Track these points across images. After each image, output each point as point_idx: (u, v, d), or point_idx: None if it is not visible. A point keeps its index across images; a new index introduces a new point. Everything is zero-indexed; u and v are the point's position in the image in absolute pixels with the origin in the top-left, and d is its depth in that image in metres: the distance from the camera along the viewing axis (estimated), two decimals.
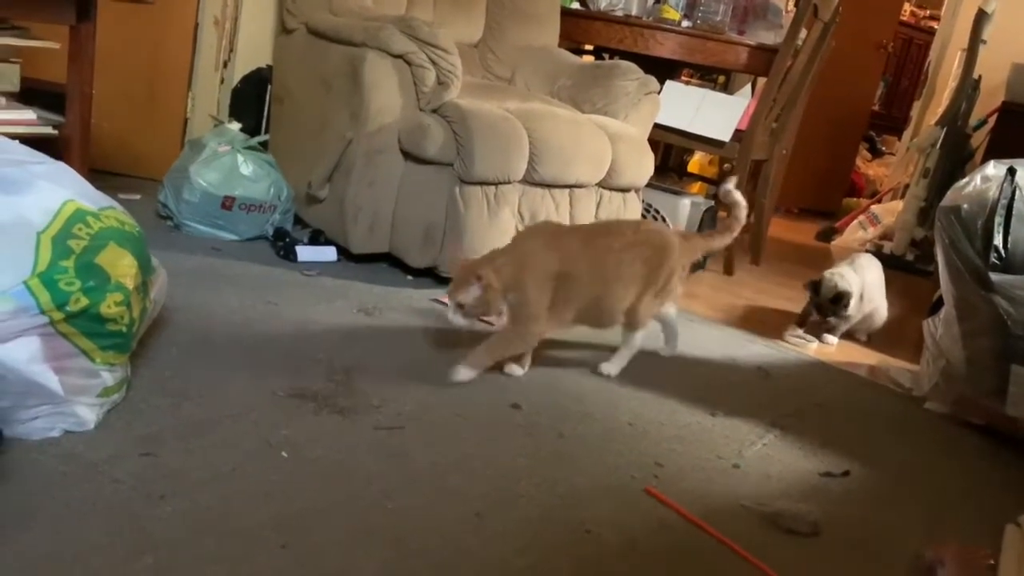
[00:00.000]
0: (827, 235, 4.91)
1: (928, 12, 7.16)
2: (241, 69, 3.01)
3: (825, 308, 2.63)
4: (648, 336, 2.13)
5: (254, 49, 3.02)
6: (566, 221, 2.60)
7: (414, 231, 2.42)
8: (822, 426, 2.02)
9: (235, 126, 2.60)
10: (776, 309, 3.07)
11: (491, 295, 1.76)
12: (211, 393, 1.56)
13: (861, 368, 2.57)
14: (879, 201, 5.23)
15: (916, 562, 1.43)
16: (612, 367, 2.05)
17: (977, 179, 2.07)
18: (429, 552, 1.23)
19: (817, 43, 3.38)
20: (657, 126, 3.07)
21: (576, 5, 3.60)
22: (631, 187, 2.80)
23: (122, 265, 1.34)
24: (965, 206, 2.02)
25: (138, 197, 2.66)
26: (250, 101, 2.97)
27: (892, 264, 3.94)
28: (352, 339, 1.97)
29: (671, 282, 2.05)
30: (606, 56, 3.67)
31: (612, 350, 2.09)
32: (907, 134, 5.45)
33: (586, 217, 2.67)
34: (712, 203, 3.33)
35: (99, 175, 2.31)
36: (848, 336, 2.80)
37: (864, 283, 2.67)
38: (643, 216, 3.05)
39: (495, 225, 2.40)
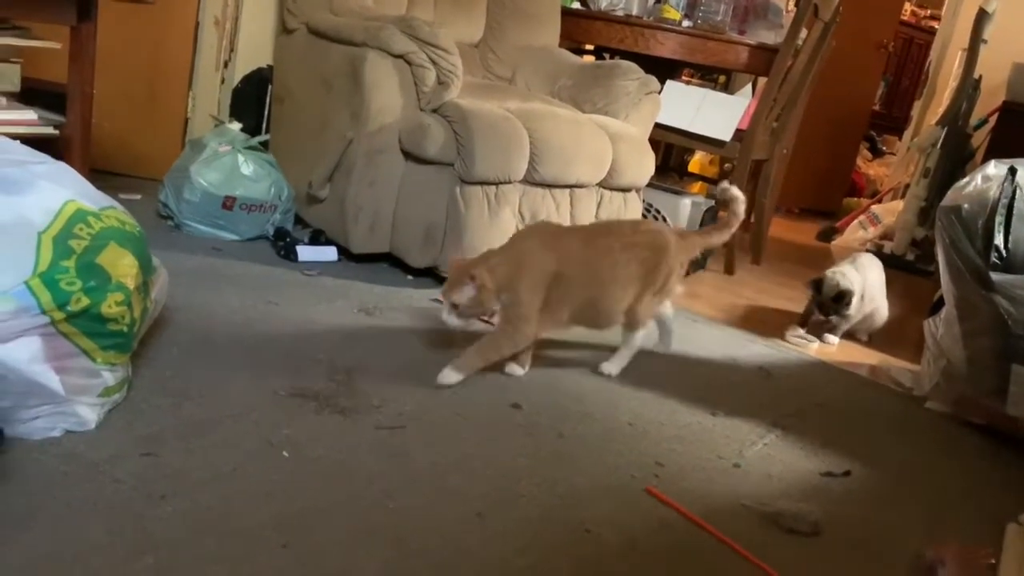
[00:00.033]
0: (828, 235, 4.91)
1: (929, 12, 7.16)
2: (242, 69, 3.01)
3: (827, 307, 2.63)
4: (647, 336, 2.13)
5: (255, 49, 3.02)
6: (567, 221, 2.60)
7: (415, 231, 2.42)
8: (823, 426, 2.02)
9: (236, 126, 2.61)
10: (777, 309, 3.07)
11: (485, 295, 1.75)
12: (212, 393, 1.56)
13: (862, 368, 2.57)
14: (879, 201, 5.23)
15: (917, 562, 1.43)
16: (612, 367, 2.05)
17: (978, 179, 2.07)
18: (430, 552, 1.24)
19: (818, 43, 3.38)
20: (658, 126, 3.07)
21: (577, 5, 3.60)
22: (632, 187, 2.80)
23: (123, 265, 1.34)
24: (966, 206, 2.02)
25: (139, 197, 2.66)
26: (251, 101, 2.98)
27: (893, 264, 3.94)
28: (353, 339, 1.97)
29: (670, 281, 2.05)
30: (607, 56, 3.67)
31: (612, 350, 2.09)
32: (908, 134, 5.45)
33: (587, 217, 2.67)
34: (713, 203, 3.33)
35: (100, 175, 2.31)
36: (849, 336, 2.80)
37: (865, 282, 2.67)
38: (644, 216, 3.05)
39: (496, 225, 2.40)
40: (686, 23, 3.51)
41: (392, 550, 1.22)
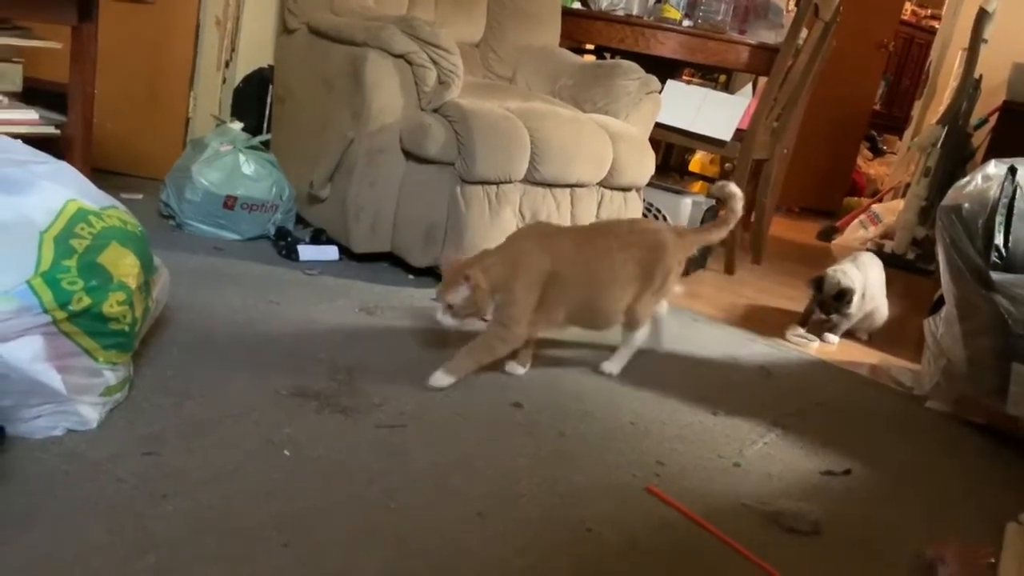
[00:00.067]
0: (828, 234, 4.91)
1: (929, 11, 7.16)
2: (243, 69, 3.01)
3: (828, 305, 2.63)
4: (648, 335, 2.13)
5: (256, 49, 3.02)
6: (567, 221, 2.60)
7: (415, 231, 2.42)
8: (823, 425, 2.02)
9: (237, 126, 2.61)
10: (777, 308, 3.07)
11: (480, 296, 1.74)
12: (213, 392, 1.57)
13: (862, 367, 2.57)
14: (880, 200, 5.23)
15: (917, 560, 1.43)
16: (613, 366, 2.05)
17: (978, 178, 2.07)
18: (430, 551, 1.24)
19: (818, 42, 3.38)
20: (658, 125, 3.07)
21: (577, 5, 3.61)
22: (632, 186, 2.80)
23: (124, 264, 1.34)
24: (966, 205, 2.02)
25: (140, 197, 2.66)
26: (252, 101, 2.98)
27: (893, 263, 3.94)
28: (354, 338, 1.98)
29: (669, 280, 2.04)
30: (607, 56, 3.67)
31: (613, 349, 2.09)
32: (908, 133, 5.45)
33: (587, 217, 2.67)
34: (714, 202, 3.33)
35: (101, 175, 2.31)
36: (849, 335, 2.80)
37: (866, 281, 2.67)
38: (644, 215, 3.05)
39: (496, 225, 2.40)
40: (686, 23, 3.51)
41: (392, 550, 1.22)
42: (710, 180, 4.38)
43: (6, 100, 2.16)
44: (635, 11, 3.52)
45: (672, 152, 4.38)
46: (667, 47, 3.38)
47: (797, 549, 1.45)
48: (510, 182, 2.43)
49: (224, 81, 3.03)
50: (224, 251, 2.40)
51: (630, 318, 2.01)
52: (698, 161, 4.99)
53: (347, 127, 2.39)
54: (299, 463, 1.40)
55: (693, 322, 2.66)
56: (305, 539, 1.20)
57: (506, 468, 1.51)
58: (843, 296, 2.59)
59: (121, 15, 2.47)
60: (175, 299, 1.75)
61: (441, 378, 1.76)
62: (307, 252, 2.46)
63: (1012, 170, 2.03)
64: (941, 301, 2.25)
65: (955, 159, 4.21)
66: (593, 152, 2.60)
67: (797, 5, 3.53)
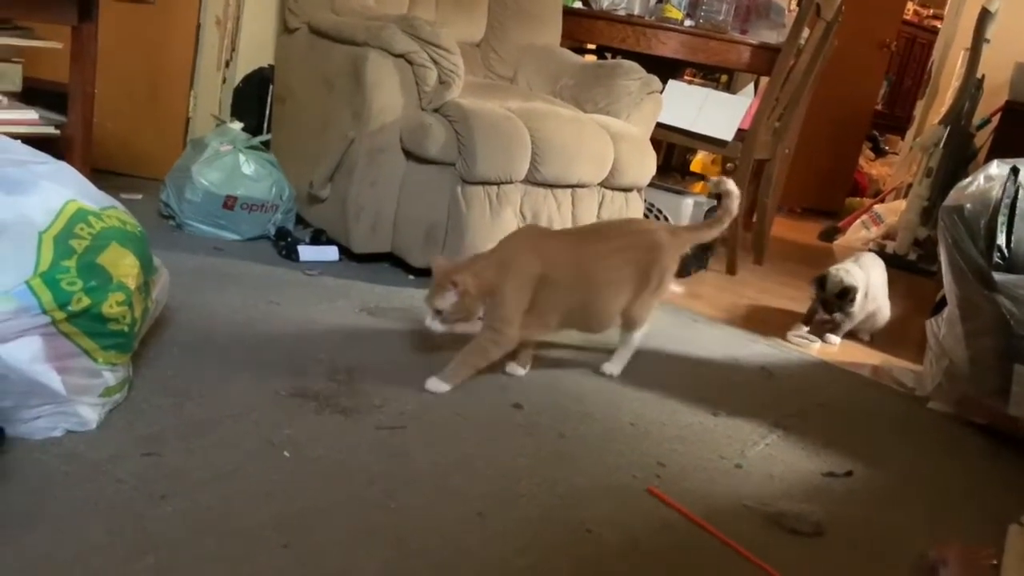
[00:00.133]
0: (830, 234, 4.91)
1: (931, 11, 7.16)
2: (243, 68, 3.01)
3: (831, 304, 2.62)
4: (647, 335, 2.12)
5: (256, 48, 3.02)
6: (568, 221, 2.60)
7: (416, 231, 2.42)
8: (825, 426, 2.02)
9: (237, 126, 2.61)
10: (779, 309, 3.06)
11: (468, 301, 1.73)
12: (213, 393, 1.56)
13: (864, 368, 2.57)
14: (882, 200, 5.23)
15: (919, 562, 1.43)
16: (614, 367, 2.05)
17: (980, 178, 2.07)
18: (430, 552, 1.23)
19: (820, 42, 3.38)
20: (660, 125, 3.07)
21: (578, 4, 3.60)
22: (633, 187, 2.80)
23: (124, 265, 1.34)
24: (968, 205, 2.01)
25: (140, 197, 2.66)
26: (252, 101, 2.98)
27: (895, 264, 3.94)
28: (354, 339, 1.97)
29: (665, 279, 2.03)
30: (608, 55, 3.67)
31: (613, 351, 2.08)
32: (910, 133, 5.44)
33: (589, 217, 2.67)
34: (715, 203, 3.32)
35: (101, 175, 2.32)
36: (851, 336, 2.80)
37: (868, 281, 2.67)
38: (646, 215, 3.04)
39: (497, 225, 2.40)
40: (688, 23, 3.51)
41: (392, 550, 1.22)
42: None
43: (6, 100, 2.16)
44: (636, 11, 3.52)
45: (673, 152, 4.38)
46: (668, 47, 3.38)
47: (799, 550, 1.44)
48: (511, 182, 2.43)
49: (224, 81, 3.03)
50: (224, 251, 2.40)
51: (628, 319, 2.00)
52: (699, 161, 4.99)
53: (347, 127, 2.39)
54: (299, 464, 1.39)
55: (694, 323, 2.66)
56: (305, 539, 1.20)
57: (506, 469, 1.51)
58: (846, 294, 2.58)
59: (121, 15, 2.47)
60: (175, 299, 1.75)
61: (437, 384, 1.76)
62: (307, 252, 2.45)
63: (1014, 170, 2.03)
64: (943, 302, 2.24)
65: (957, 159, 4.21)
66: (594, 152, 2.60)
67: (799, 5, 3.53)
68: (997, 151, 3.79)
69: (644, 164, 2.77)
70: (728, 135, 3.24)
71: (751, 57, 3.42)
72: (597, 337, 2.11)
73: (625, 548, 1.34)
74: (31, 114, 2.15)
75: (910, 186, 4.57)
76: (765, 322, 2.81)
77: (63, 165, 1.41)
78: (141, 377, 1.54)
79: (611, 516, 1.42)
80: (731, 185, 2.09)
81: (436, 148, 2.32)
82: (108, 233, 1.35)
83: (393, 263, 2.55)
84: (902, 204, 4.61)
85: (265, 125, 2.93)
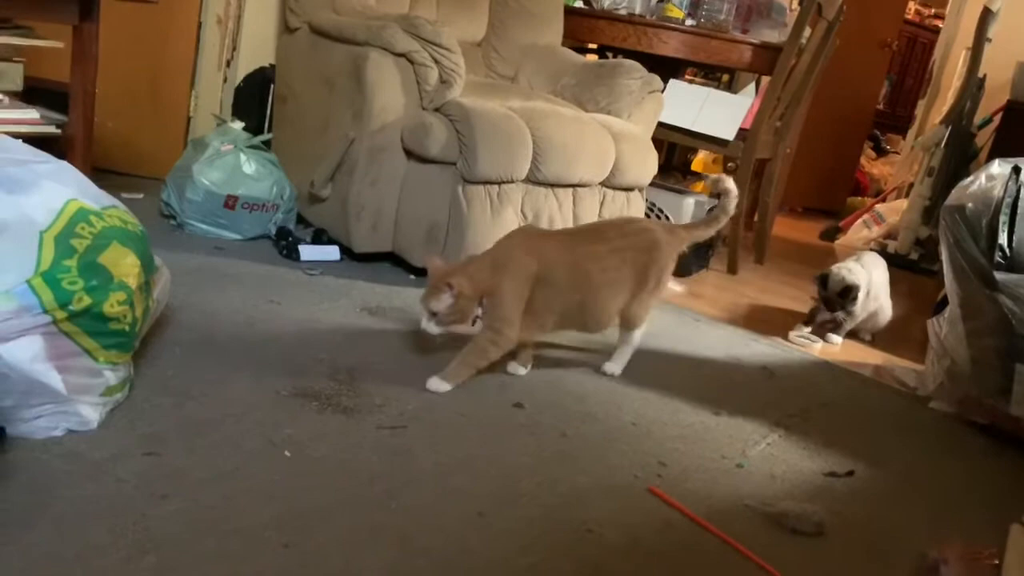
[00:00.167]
0: (831, 234, 4.90)
1: (933, 10, 7.15)
2: (244, 68, 3.01)
3: (833, 302, 2.62)
4: (648, 334, 2.12)
5: (257, 48, 3.02)
6: (570, 221, 2.60)
7: (417, 230, 2.42)
8: (826, 426, 2.01)
9: (238, 125, 2.61)
10: (780, 308, 3.06)
11: (464, 303, 1.72)
12: (214, 392, 1.56)
13: (866, 368, 2.57)
14: (883, 200, 5.22)
15: (921, 562, 1.43)
16: (615, 366, 2.04)
17: (982, 178, 2.07)
18: (432, 551, 1.23)
19: (821, 42, 3.38)
20: (661, 125, 3.07)
21: (580, 4, 3.60)
22: (635, 186, 2.80)
23: (125, 264, 1.34)
24: (970, 205, 2.01)
25: (141, 196, 2.66)
26: (253, 100, 2.98)
27: (896, 263, 3.93)
28: (355, 338, 1.97)
29: (663, 277, 2.03)
30: (610, 55, 3.67)
31: (614, 350, 2.08)
32: (912, 133, 5.44)
33: (590, 217, 2.67)
34: (716, 202, 3.32)
35: (102, 174, 2.32)
36: (852, 335, 2.79)
37: (870, 280, 2.67)
38: (647, 215, 3.04)
39: (498, 224, 2.40)
40: (689, 22, 3.51)
41: (394, 550, 1.22)
42: None
43: (7, 99, 2.16)
44: (638, 10, 3.52)
45: (675, 152, 4.38)
46: (670, 46, 3.38)
47: (800, 550, 1.44)
48: (512, 182, 2.43)
49: (225, 80, 3.03)
50: (225, 251, 2.40)
51: (627, 319, 2.00)
52: (701, 161, 4.99)
53: (348, 126, 2.39)
54: (300, 463, 1.39)
55: (695, 322, 2.66)
56: (306, 539, 1.20)
57: (508, 468, 1.51)
58: (848, 292, 2.58)
59: (122, 14, 2.47)
60: (176, 299, 1.75)
61: (438, 384, 1.76)
62: (308, 252, 2.45)
63: (1016, 170, 2.03)
64: (945, 301, 2.24)
65: (959, 159, 4.20)
66: (595, 152, 2.60)
67: (800, 4, 3.52)
68: (999, 150, 3.79)
69: (645, 163, 2.77)
70: (729, 134, 3.24)
71: (752, 56, 3.42)
72: (598, 337, 2.10)
73: (626, 548, 1.34)
74: (32, 113, 2.15)
75: (911, 185, 4.57)
76: (766, 322, 2.81)
77: (64, 164, 1.41)
78: (142, 376, 1.54)
79: (613, 516, 1.42)
80: (730, 184, 2.09)
81: (437, 147, 2.32)
82: (109, 232, 1.35)
83: (394, 263, 2.55)
84: (903, 203, 4.61)
85: (266, 124, 2.93)
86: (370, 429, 1.55)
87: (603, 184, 2.69)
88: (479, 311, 1.78)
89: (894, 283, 2.85)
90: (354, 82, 2.36)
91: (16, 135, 1.49)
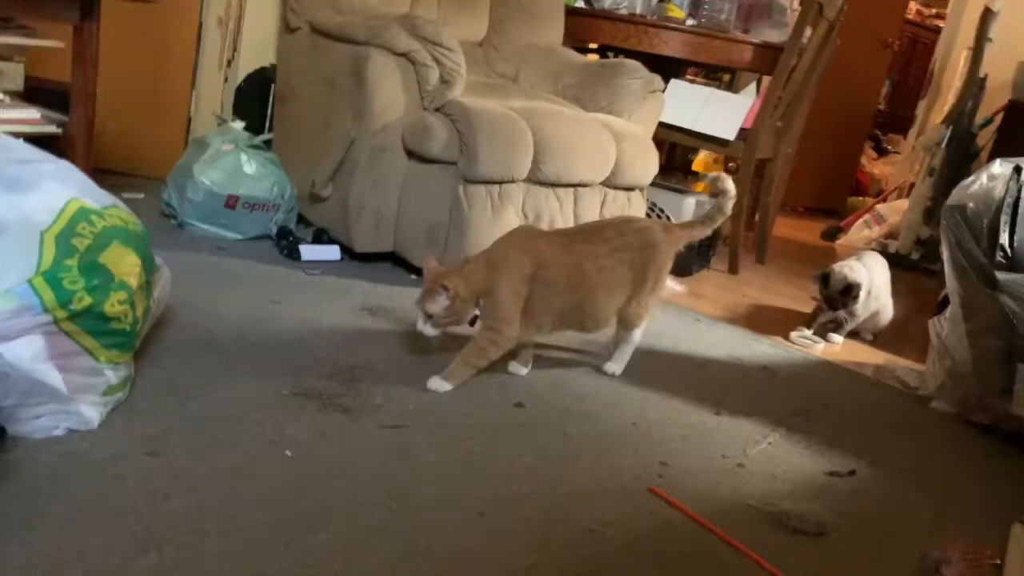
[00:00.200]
0: (832, 234, 4.90)
1: (934, 10, 7.14)
2: (245, 68, 3.01)
3: (835, 301, 2.61)
4: (649, 334, 2.12)
5: (258, 48, 3.02)
6: (571, 220, 2.60)
7: (418, 230, 2.42)
8: (828, 425, 2.01)
9: (239, 125, 2.61)
10: (781, 308, 3.06)
11: (460, 304, 1.72)
12: (214, 392, 1.56)
13: (867, 367, 2.56)
14: (884, 200, 5.22)
15: (922, 561, 1.43)
16: (615, 366, 2.04)
17: (983, 178, 2.07)
18: (432, 551, 1.23)
19: (822, 41, 3.37)
20: (662, 125, 3.07)
21: (580, 3, 3.60)
22: (636, 186, 2.79)
23: (126, 264, 1.34)
24: (971, 205, 2.01)
25: (142, 196, 2.66)
26: (254, 100, 2.98)
27: (898, 263, 3.93)
28: (356, 338, 1.97)
29: (662, 276, 2.03)
30: (611, 55, 3.67)
31: (615, 350, 2.08)
32: (913, 133, 5.44)
33: (591, 216, 2.66)
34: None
35: (103, 174, 2.31)
36: (854, 335, 2.79)
37: (872, 280, 2.66)
38: (648, 215, 3.04)
39: (499, 224, 2.39)
40: (690, 22, 3.51)
41: (395, 549, 1.22)
42: None
43: (8, 99, 2.16)
44: (639, 10, 3.52)
45: (676, 152, 4.37)
46: (671, 46, 3.37)
47: (802, 550, 1.44)
48: (513, 181, 2.43)
49: (226, 80, 3.03)
50: (226, 251, 2.40)
51: (625, 319, 1.99)
52: (701, 160, 4.98)
53: (349, 126, 2.39)
54: (301, 463, 1.39)
55: (696, 322, 2.66)
56: (307, 539, 1.20)
57: (508, 468, 1.51)
58: (850, 291, 2.58)
59: (123, 14, 2.47)
60: (176, 299, 1.75)
61: (439, 384, 1.76)
62: (309, 252, 2.45)
63: (1017, 169, 2.03)
64: (946, 301, 2.24)
65: (960, 159, 4.20)
66: (596, 151, 2.60)
67: (801, 4, 3.52)
68: (1000, 150, 3.79)
69: (646, 163, 2.77)
70: (730, 134, 3.24)
71: (753, 56, 3.42)
72: (598, 337, 2.10)
73: (627, 548, 1.34)
74: (33, 113, 2.15)
75: (913, 185, 4.57)
76: (767, 321, 2.81)
77: (65, 164, 1.41)
78: (143, 376, 1.54)
79: (613, 516, 1.42)
80: (728, 184, 2.07)
81: (438, 147, 2.32)
82: (110, 232, 1.35)
83: (395, 262, 2.55)
84: (904, 203, 4.60)
85: (267, 124, 2.93)
86: (371, 429, 1.55)
87: (604, 184, 2.69)
88: (477, 311, 1.78)
89: (895, 283, 2.85)
90: (355, 82, 2.36)
91: (17, 135, 1.49)
